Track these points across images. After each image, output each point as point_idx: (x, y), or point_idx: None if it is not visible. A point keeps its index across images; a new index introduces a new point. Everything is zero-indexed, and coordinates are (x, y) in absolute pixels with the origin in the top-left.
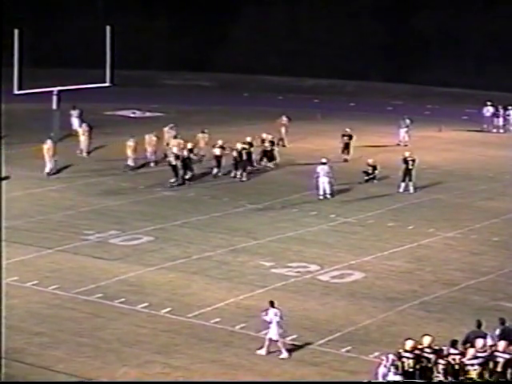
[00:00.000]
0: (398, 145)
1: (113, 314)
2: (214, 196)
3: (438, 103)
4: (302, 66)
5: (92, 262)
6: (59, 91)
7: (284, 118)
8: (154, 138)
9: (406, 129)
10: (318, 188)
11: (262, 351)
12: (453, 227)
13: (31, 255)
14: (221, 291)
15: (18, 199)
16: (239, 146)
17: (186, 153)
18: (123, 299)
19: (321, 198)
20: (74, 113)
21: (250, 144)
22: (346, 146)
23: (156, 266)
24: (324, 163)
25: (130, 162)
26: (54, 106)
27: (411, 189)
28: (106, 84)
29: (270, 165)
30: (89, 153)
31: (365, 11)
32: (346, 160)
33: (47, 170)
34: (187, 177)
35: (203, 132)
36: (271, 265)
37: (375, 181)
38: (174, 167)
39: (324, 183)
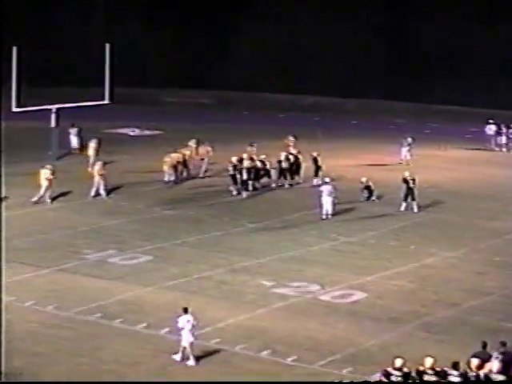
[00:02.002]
0: (400, 163)
1: (112, 334)
2: (214, 215)
3: (440, 121)
4: (302, 84)
5: (91, 281)
6: (58, 109)
7: (291, 138)
8: (209, 148)
9: (407, 147)
10: (321, 207)
11: (177, 357)
12: (455, 247)
13: (29, 274)
14: (221, 311)
15: (15, 218)
16: (283, 156)
17: (259, 163)
18: (122, 319)
19: (324, 217)
20: (73, 131)
21: (296, 156)
22: (317, 168)
23: (155, 285)
24: (327, 182)
25: (167, 178)
26: (53, 124)
27: (415, 208)
28: (105, 102)
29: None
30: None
31: (366, 28)
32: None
33: (93, 193)
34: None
35: (251, 145)
36: (272, 284)
37: (374, 198)
38: (233, 177)
39: (327, 203)
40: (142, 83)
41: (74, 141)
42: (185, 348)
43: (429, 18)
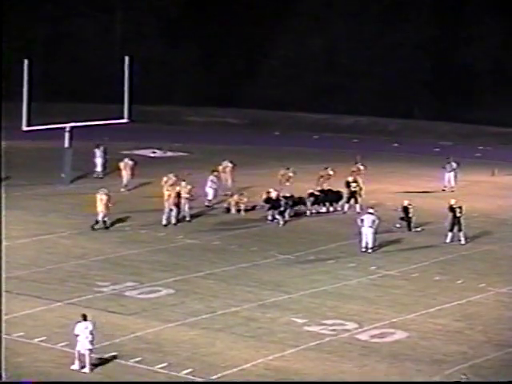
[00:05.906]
0: (444, 190)
1: (128, 374)
2: (241, 245)
3: (490, 144)
4: (339, 103)
5: (106, 316)
6: (72, 128)
7: (360, 166)
8: (291, 174)
9: (452, 172)
10: (361, 240)
11: (75, 366)
12: (507, 282)
13: (38, 308)
14: (248, 351)
15: (24, 247)
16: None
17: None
18: (140, 358)
19: (363, 250)
20: (98, 152)
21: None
22: (353, 195)
23: (176, 321)
24: (370, 213)
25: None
26: (66, 144)
27: (462, 239)
28: (124, 120)
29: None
30: (129, 189)
31: (409, 42)
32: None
33: (173, 220)
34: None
35: (325, 169)
36: (304, 322)
37: (419, 229)
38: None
39: (367, 235)
40: (164, 100)
41: (99, 162)
42: (80, 354)
43: (480, 32)
